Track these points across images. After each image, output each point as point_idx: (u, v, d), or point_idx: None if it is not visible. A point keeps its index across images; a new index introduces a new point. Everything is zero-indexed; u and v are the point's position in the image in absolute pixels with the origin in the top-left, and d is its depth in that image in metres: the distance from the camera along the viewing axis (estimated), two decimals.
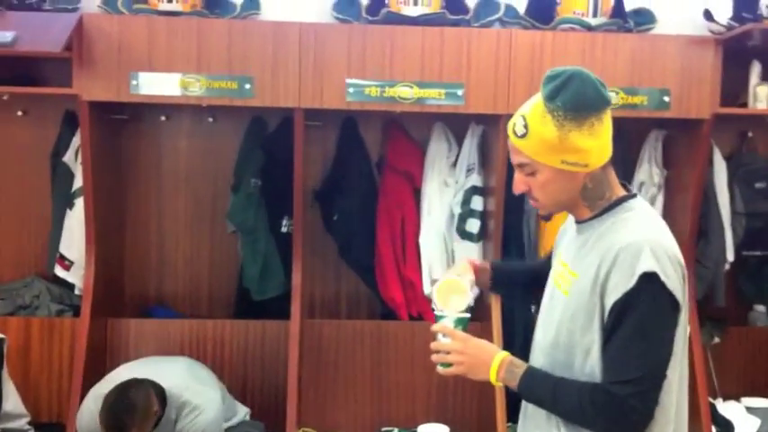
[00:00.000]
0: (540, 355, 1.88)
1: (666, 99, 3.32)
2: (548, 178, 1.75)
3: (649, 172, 3.61)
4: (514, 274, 2.32)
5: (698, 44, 3.34)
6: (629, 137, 3.68)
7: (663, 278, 1.64)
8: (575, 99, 1.68)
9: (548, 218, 1.92)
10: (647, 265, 1.64)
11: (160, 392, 2.94)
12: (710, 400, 3.61)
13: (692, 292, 3.53)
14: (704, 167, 3.48)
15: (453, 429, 3.51)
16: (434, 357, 1.86)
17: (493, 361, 1.79)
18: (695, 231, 3.53)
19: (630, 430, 1.68)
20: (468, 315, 1.93)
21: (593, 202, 1.78)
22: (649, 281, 1.64)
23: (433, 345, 1.87)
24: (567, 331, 1.78)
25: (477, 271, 2.15)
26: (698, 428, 3.41)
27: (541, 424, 1.85)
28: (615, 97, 3.29)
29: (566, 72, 1.71)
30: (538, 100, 1.73)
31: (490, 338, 2.19)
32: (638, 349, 1.64)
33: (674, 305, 1.67)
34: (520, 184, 1.80)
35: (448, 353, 1.84)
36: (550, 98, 1.70)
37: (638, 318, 1.64)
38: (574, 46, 3.30)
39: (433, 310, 1.96)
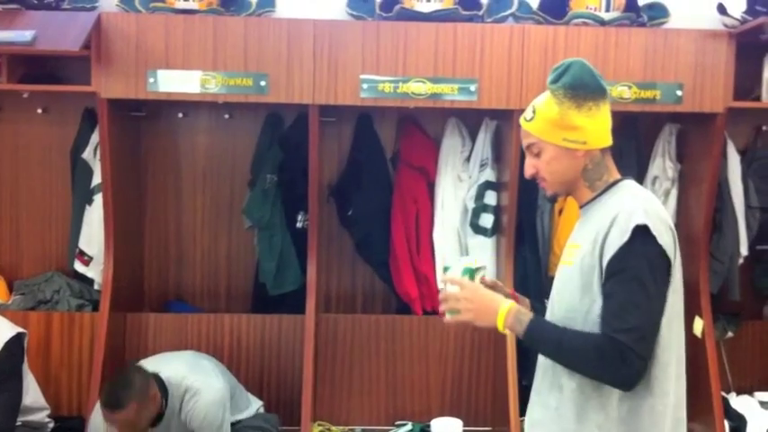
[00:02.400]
0: None
1: (680, 93, 3.32)
2: (552, 156, 1.93)
3: (663, 166, 3.61)
4: None
5: (711, 38, 3.34)
6: (643, 131, 3.69)
7: (654, 232, 1.79)
8: (573, 80, 1.90)
9: (553, 199, 2.06)
10: (639, 219, 1.79)
11: (160, 383, 3.01)
12: (724, 394, 3.61)
13: (705, 286, 3.54)
14: (718, 161, 3.47)
15: (467, 423, 3.53)
16: (443, 307, 1.94)
17: (501, 308, 1.89)
18: (709, 225, 3.53)
19: (631, 376, 1.77)
20: (475, 266, 2.00)
21: (593, 183, 1.95)
22: (641, 234, 1.79)
23: (441, 295, 1.95)
24: (569, 296, 1.90)
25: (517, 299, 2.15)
26: (710, 422, 3.42)
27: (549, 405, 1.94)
28: (628, 91, 3.32)
29: (568, 61, 1.95)
30: (546, 91, 1.95)
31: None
32: (634, 299, 1.77)
33: (666, 260, 1.81)
34: (529, 167, 1.98)
35: (457, 301, 1.92)
36: (553, 81, 1.93)
37: (633, 270, 1.78)
38: (587, 41, 3.32)
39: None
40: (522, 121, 1.98)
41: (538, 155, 1.95)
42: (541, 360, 1.98)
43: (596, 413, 1.84)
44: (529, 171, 1.98)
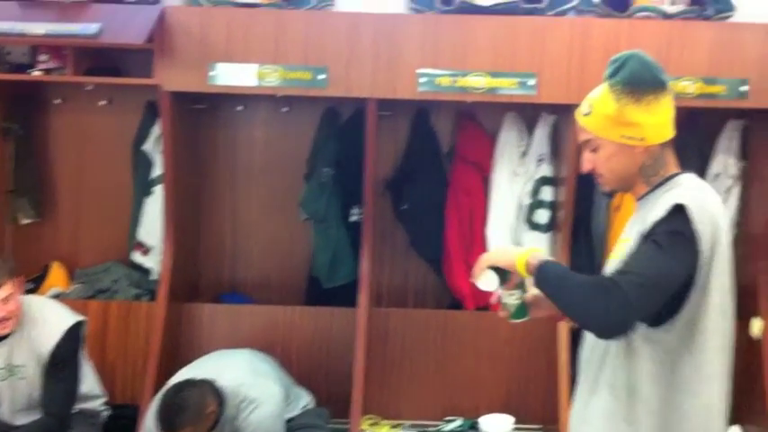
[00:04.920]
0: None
1: (744, 88, 3.26)
2: (609, 153, 1.90)
3: (725, 163, 3.55)
4: None
5: None
6: (706, 127, 3.62)
7: (690, 214, 1.75)
8: (631, 75, 1.86)
9: (611, 195, 2.03)
10: (680, 200, 1.77)
11: (217, 392, 2.98)
12: None
13: (765, 287, 3.47)
14: None
15: (518, 420, 3.50)
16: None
17: (523, 250, 1.92)
18: None
19: (611, 316, 1.69)
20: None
21: (649, 179, 1.92)
22: (677, 212, 1.76)
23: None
24: None
25: None
26: (766, 424, 3.38)
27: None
28: (692, 86, 3.27)
29: (625, 54, 1.91)
30: (603, 84, 1.92)
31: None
32: (645, 254, 1.75)
33: (693, 244, 1.75)
34: (586, 162, 1.96)
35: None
36: (611, 76, 1.89)
37: (655, 236, 1.75)
38: (650, 35, 3.28)
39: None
40: (578, 115, 1.94)
41: (595, 150, 1.91)
42: (590, 358, 1.97)
43: (627, 410, 1.84)
44: (586, 166, 1.95)
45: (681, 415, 1.82)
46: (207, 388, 2.95)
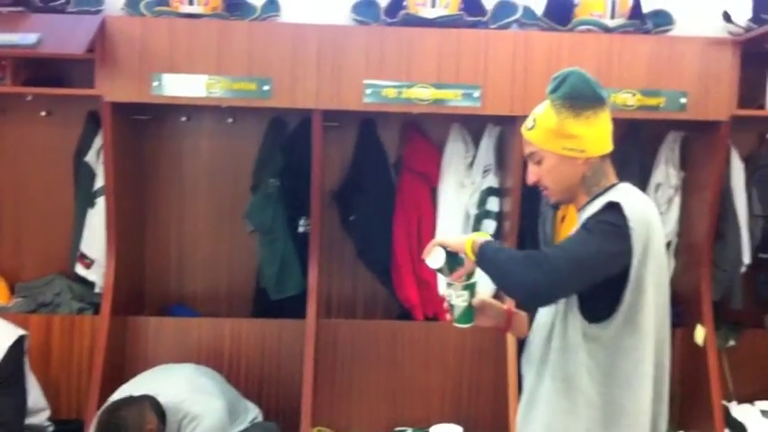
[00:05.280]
0: (533, 335, 2.06)
1: (684, 101, 3.32)
2: (552, 164, 1.99)
3: (666, 173, 3.61)
4: None
5: (716, 46, 3.34)
6: (646, 139, 3.68)
7: (624, 212, 1.86)
8: (571, 90, 1.96)
9: (556, 206, 2.17)
10: (614, 199, 1.90)
11: (158, 408, 2.95)
12: (725, 403, 3.61)
13: (707, 295, 3.54)
14: (721, 169, 3.47)
15: (467, 430, 3.51)
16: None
17: (472, 234, 2.04)
18: (712, 233, 3.53)
19: (537, 282, 1.81)
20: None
21: (590, 189, 2.01)
22: (611, 207, 1.89)
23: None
24: None
25: (512, 314, 2.21)
26: (710, 430, 3.42)
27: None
28: (632, 99, 3.32)
29: (566, 71, 2.00)
30: (546, 100, 2.01)
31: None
32: (577, 238, 1.89)
33: (625, 237, 1.84)
34: (531, 175, 2.05)
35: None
36: (552, 92, 1.99)
37: (588, 224, 1.89)
38: (591, 48, 3.32)
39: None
40: (523, 129, 2.04)
41: (539, 163, 2.01)
42: (534, 357, 2.03)
43: (568, 402, 1.92)
44: (531, 178, 2.05)
45: (620, 410, 1.90)
46: (146, 405, 2.92)
